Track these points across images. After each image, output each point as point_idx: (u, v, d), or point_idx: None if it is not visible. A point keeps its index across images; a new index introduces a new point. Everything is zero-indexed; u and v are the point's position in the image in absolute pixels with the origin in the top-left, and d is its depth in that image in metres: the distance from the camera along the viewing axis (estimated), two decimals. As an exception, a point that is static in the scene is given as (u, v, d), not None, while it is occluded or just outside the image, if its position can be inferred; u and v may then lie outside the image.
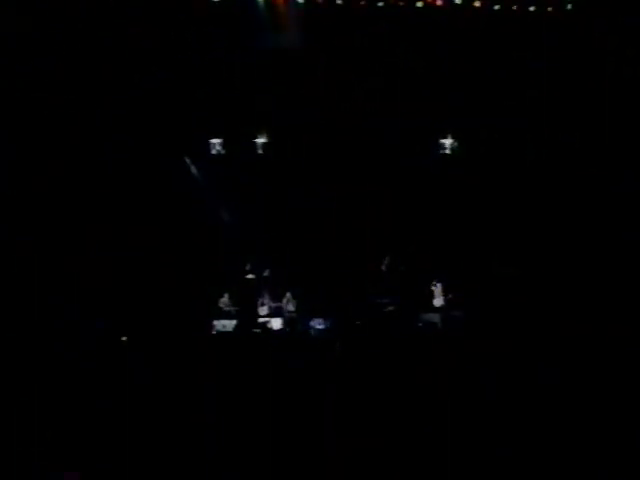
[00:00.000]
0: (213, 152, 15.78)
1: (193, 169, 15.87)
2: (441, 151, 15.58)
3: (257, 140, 15.78)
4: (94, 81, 14.13)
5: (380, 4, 14.56)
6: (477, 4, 14.51)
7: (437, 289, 14.67)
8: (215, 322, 14.45)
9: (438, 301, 14.64)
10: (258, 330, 14.54)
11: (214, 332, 14.33)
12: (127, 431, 11.26)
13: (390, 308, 14.63)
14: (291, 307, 14.83)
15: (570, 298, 13.25)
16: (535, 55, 14.39)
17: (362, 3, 14.45)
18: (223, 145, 15.75)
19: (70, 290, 13.51)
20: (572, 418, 11.19)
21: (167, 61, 14.43)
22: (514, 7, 14.53)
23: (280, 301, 15.02)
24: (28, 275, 13.24)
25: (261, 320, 14.71)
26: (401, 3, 14.56)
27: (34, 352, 12.00)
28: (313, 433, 11.50)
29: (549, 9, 14.44)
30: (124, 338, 12.78)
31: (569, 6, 14.23)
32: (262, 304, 14.97)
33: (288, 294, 14.87)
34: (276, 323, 14.63)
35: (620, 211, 14.09)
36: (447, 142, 15.57)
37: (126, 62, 14.13)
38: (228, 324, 14.48)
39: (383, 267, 15.20)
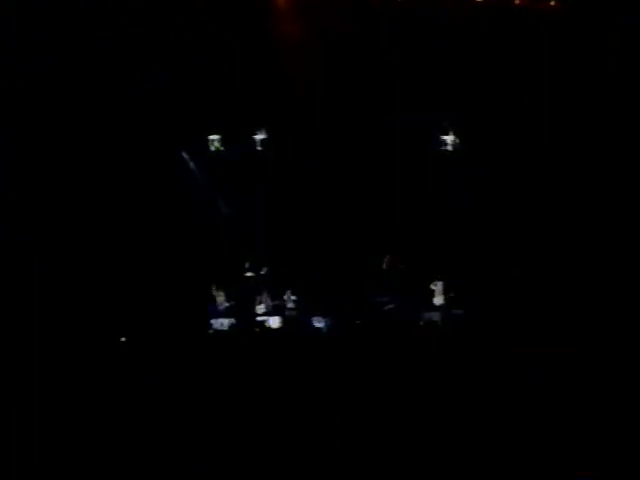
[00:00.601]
0: (211, 148, 15.95)
1: (191, 166, 16.01)
2: (442, 148, 15.69)
3: (256, 136, 15.95)
4: (92, 77, 14.36)
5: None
6: (480, -2, 14.79)
7: (438, 288, 14.88)
8: (213, 321, 14.77)
9: (439, 300, 14.84)
10: (257, 329, 14.83)
11: (211, 331, 14.64)
12: (126, 431, 11.60)
13: (390, 307, 14.87)
14: (291, 305, 15.11)
15: (573, 297, 13.43)
16: (539, 50, 14.52)
17: (361, -3, 14.74)
18: (221, 141, 15.93)
19: (67, 289, 13.76)
20: (574, 418, 11.50)
21: (165, 57, 14.68)
22: (517, 0, 14.76)
23: (279, 299, 15.26)
24: (25, 274, 13.50)
25: (260, 318, 14.98)
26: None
27: (33, 352, 12.34)
28: (313, 433, 11.79)
29: (552, 2, 14.65)
30: (123, 339, 13.09)
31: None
32: (261, 302, 15.24)
33: (288, 292, 15.14)
34: (275, 321, 14.93)
35: (623, 209, 14.23)
36: (448, 139, 15.68)
37: (124, 58, 14.38)
38: (226, 323, 14.81)
39: (383, 265, 15.42)
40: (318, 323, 14.54)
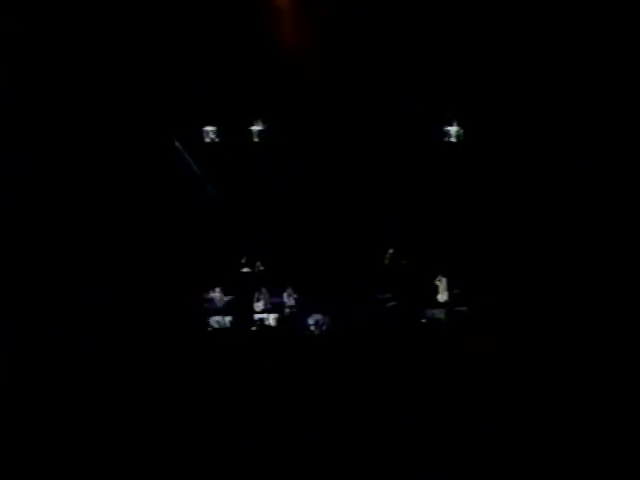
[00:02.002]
0: (207, 140, 16.24)
1: (186, 157, 16.26)
2: (446, 139, 15.90)
3: (253, 128, 16.23)
4: (85, 67, 14.66)
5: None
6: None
7: (442, 284, 15.25)
8: (210, 319, 15.18)
9: (443, 296, 15.21)
10: (255, 327, 15.21)
11: (209, 329, 15.07)
12: (124, 431, 11.98)
13: (393, 304, 15.22)
14: (291, 302, 15.49)
15: (577, 295, 13.68)
16: (546, 40, 14.69)
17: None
18: (217, 133, 16.21)
19: (62, 288, 14.09)
20: (578, 418, 11.85)
21: (160, 47, 15.02)
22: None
23: (276, 296, 15.65)
24: (22, 273, 13.86)
25: (258, 316, 15.34)
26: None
27: (31, 350, 12.74)
28: (313, 433, 12.12)
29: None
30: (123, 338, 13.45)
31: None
32: (259, 299, 15.64)
33: (288, 289, 15.54)
34: (273, 319, 15.30)
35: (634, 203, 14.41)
36: (452, 130, 15.89)
37: (118, 48, 14.70)
38: (223, 320, 15.19)
39: (386, 261, 15.78)
40: (318, 321, 14.87)
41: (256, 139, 16.29)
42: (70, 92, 14.71)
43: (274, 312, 15.39)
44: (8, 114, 14.02)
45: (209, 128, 16.24)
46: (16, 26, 13.84)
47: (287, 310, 15.45)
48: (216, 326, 15.12)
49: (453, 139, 15.90)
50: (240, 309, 15.50)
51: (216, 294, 15.58)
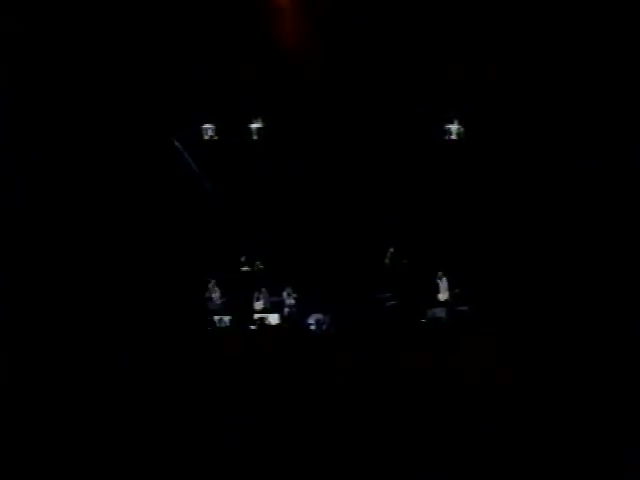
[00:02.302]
0: (206, 138, 16.37)
1: (185, 155, 16.38)
2: (447, 137, 15.98)
3: (252, 125, 16.35)
4: (84, 67, 14.80)
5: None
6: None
7: (442, 283, 15.39)
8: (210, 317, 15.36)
9: (443, 296, 15.36)
10: (255, 326, 15.37)
11: (209, 328, 15.23)
12: (125, 430, 12.13)
13: (393, 303, 15.36)
14: (291, 302, 15.65)
15: (577, 295, 13.79)
16: (546, 39, 14.75)
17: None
18: (216, 130, 16.34)
19: (62, 288, 14.26)
20: (578, 418, 12.01)
21: (160, 46, 15.15)
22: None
23: (276, 296, 15.82)
24: (22, 273, 14.01)
25: (258, 315, 15.52)
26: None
27: (29, 350, 12.90)
28: (313, 432, 12.27)
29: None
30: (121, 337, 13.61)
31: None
32: (258, 299, 15.82)
33: (289, 289, 15.68)
34: (274, 318, 15.47)
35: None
36: (453, 128, 15.98)
37: (118, 47, 14.83)
38: (223, 319, 15.36)
39: (386, 260, 15.92)
40: (318, 321, 15.02)
41: (255, 137, 16.39)
42: (70, 92, 14.87)
43: (274, 311, 15.55)
44: (8, 114, 14.17)
45: (208, 126, 16.36)
46: (16, 26, 13.98)
47: (287, 309, 15.61)
48: (216, 325, 15.27)
49: (454, 137, 15.99)
50: (240, 308, 15.66)
51: (216, 293, 15.73)
